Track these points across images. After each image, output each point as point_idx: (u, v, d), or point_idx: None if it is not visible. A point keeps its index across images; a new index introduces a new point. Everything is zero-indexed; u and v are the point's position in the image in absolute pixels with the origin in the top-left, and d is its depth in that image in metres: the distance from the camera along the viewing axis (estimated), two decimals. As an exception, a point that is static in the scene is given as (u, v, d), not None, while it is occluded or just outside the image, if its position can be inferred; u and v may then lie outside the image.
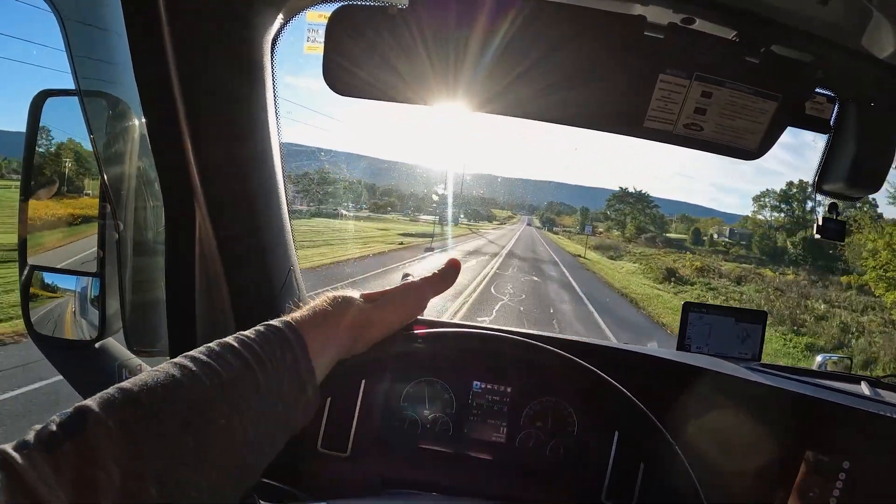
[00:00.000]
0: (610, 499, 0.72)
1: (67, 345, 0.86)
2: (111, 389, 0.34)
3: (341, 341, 0.47)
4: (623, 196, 51.25)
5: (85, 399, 0.35)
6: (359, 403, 0.79)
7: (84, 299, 0.87)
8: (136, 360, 0.82)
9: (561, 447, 0.79)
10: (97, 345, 0.84)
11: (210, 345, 0.40)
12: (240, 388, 0.38)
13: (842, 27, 0.65)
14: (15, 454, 0.29)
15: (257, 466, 0.40)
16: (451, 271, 0.56)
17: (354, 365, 0.49)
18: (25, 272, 0.84)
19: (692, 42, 0.67)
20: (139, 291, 0.79)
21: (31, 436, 0.31)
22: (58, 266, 0.89)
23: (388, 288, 0.52)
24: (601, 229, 50.38)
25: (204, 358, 0.38)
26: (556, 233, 58.92)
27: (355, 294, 0.50)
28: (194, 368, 0.37)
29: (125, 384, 0.35)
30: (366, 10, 0.67)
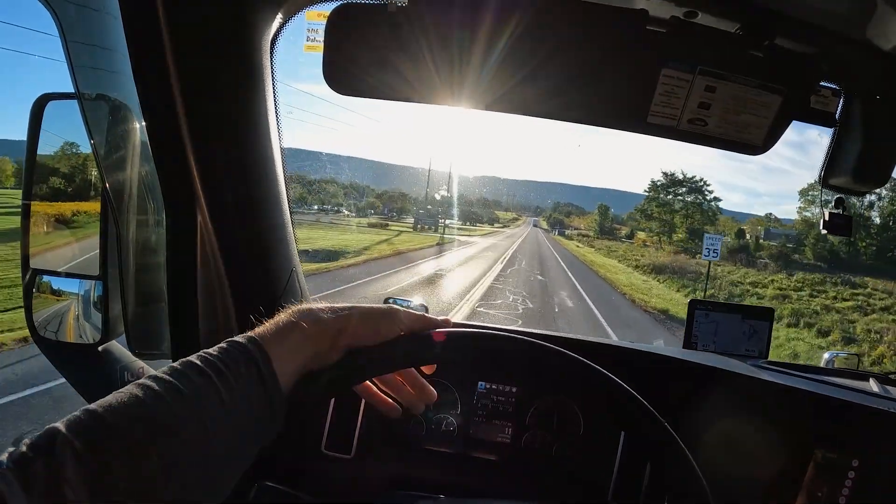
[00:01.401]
0: (616, 499, 0.71)
1: (70, 348, 0.86)
2: (78, 412, 0.36)
3: (306, 351, 0.47)
4: (670, 184, 32.44)
5: (88, 402, 0.37)
6: (362, 405, 0.78)
7: (87, 302, 0.87)
8: (138, 363, 0.82)
9: (567, 448, 0.78)
10: (100, 348, 0.84)
11: (173, 364, 0.41)
12: (203, 402, 0.39)
13: (846, 19, 0.64)
14: None
15: (228, 477, 0.41)
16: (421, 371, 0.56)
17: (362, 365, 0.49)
18: (28, 276, 0.84)
19: (695, 36, 0.66)
20: (141, 294, 0.79)
21: (4, 457, 0.32)
22: (60, 269, 0.89)
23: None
24: (624, 233, 40.05)
25: (167, 377, 0.39)
26: (570, 237, 47.69)
27: (320, 305, 0.50)
28: (157, 388, 0.38)
29: (91, 406, 0.36)
30: (365, 8, 0.67)
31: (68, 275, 0.88)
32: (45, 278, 0.87)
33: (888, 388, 0.80)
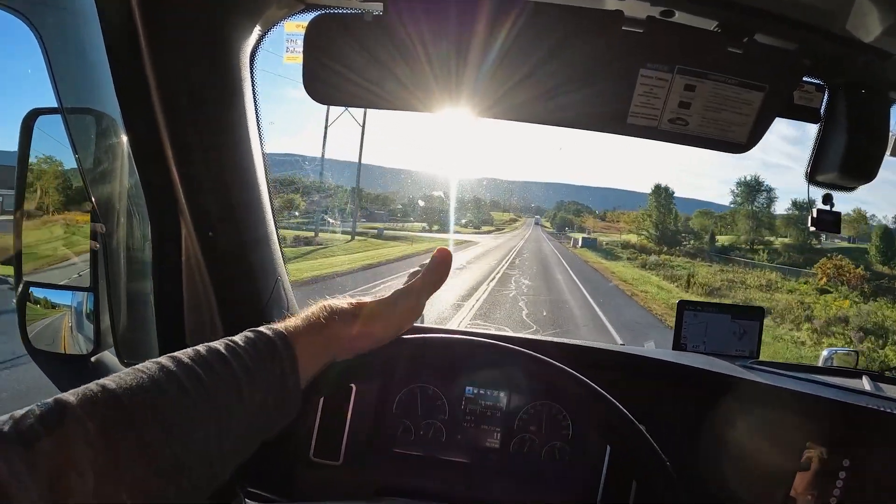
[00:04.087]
0: (605, 501, 0.71)
1: (64, 359, 0.87)
2: (93, 385, 0.33)
3: (331, 351, 0.46)
4: (750, 191, 26.93)
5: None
6: (350, 411, 0.78)
7: (79, 314, 0.88)
8: (127, 374, 0.83)
9: (555, 451, 0.78)
10: (93, 359, 0.85)
11: (198, 348, 0.40)
12: (223, 399, 0.37)
13: (826, 13, 0.63)
14: None
15: (226, 472, 0.40)
16: (441, 265, 0.52)
17: (344, 369, 0.49)
18: (21, 288, 0.85)
19: (672, 35, 0.66)
20: (130, 305, 0.80)
21: (8, 425, 0.30)
22: (52, 282, 0.90)
23: (383, 296, 0.51)
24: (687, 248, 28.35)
25: (189, 363, 0.38)
26: (611, 250, 29.23)
27: (346, 303, 0.49)
28: (179, 374, 0.36)
29: (108, 382, 0.34)
30: (341, 18, 0.67)
31: (60, 287, 0.89)
32: (39, 290, 0.88)
33: (881, 385, 0.78)
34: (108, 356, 0.86)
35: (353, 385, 0.78)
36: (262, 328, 0.43)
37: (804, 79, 0.72)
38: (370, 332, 0.48)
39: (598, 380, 0.53)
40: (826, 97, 0.73)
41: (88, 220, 0.83)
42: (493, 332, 0.88)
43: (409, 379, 0.81)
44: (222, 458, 0.38)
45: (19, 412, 0.31)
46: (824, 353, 1.09)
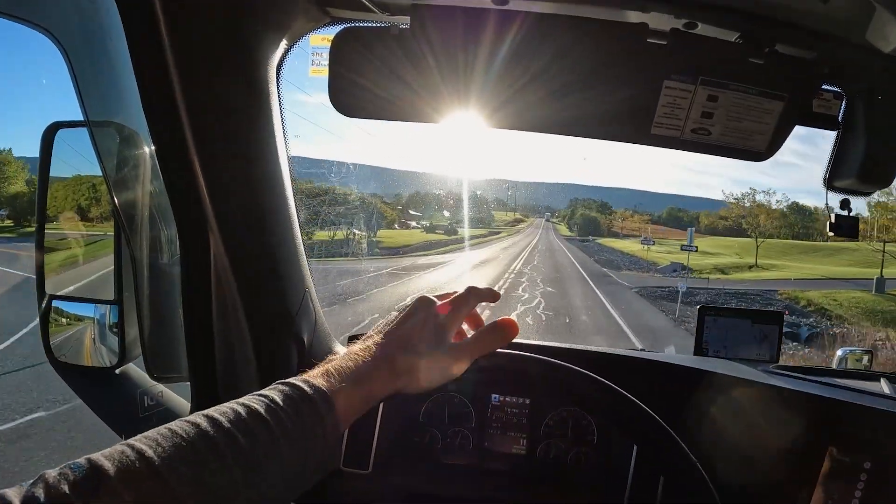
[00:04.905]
0: None
1: (88, 371, 0.87)
2: (128, 451, 0.32)
3: (368, 405, 0.45)
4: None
5: (109, 425, 0.34)
6: (378, 420, 0.79)
7: (103, 326, 0.89)
8: (158, 387, 0.83)
9: (582, 457, 0.79)
10: (117, 371, 0.85)
11: (236, 407, 0.38)
12: (262, 465, 0.36)
13: (845, 23, 0.64)
14: None
15: None
16: (502, 333, 0.50)
17: None
18: (44, 301, 0.85)
19: (695, 46, 0.67)
20: (157, 318, 0.80)
21: (40, 490, 0.28)
22: (76, 294, 0.90)
23: (418, 333, 0.48)
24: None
25: (228, 426, 0.36)
26: None
27: (387, 353, 0.46)
28: (218, 441, 0.35)
29: (145, 448, 0.33)
30: (368, 31, 0.68)
31: (84, 299, 0.90)
32: (62, 303, 0.89)
33: (900, 388, 0.80)
34: (133, 368, 0.86)
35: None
36: (300, 383, 0.42)
37: (822, 86, 0.73)
38: (404, 387, 0.47)
39: (620, 385, 0.54)
40: (844, 105, 0.74)
41: (112, 233, 0.84)
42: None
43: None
44: None
45: (51, 473, 0.30)
46: (839, 352, 1.11)
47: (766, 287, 19.94)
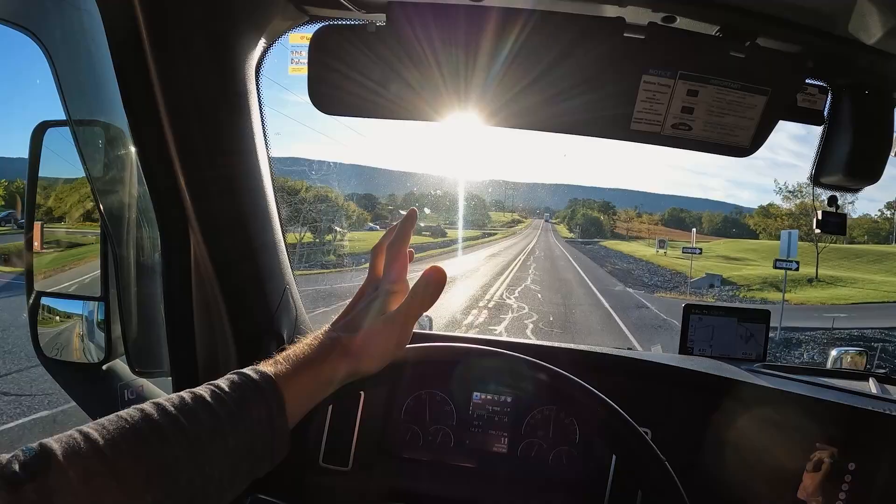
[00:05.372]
0: None
1: (75, 367, 0.88)
2: (76, 434, 0.34)
3: (320, 391, 0.46)
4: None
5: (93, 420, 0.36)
6: (359, 417, 0.79)
7: (91, 323, 0.90)
8: (139, 381, 0.84)
9: (563, 455, 0.78)
10: (104, 367, 0.86)
11: (183, 395, 0.40)
12: (208, 449, 0.38)
13: (827, 15, 0.63)
14: None
15: None
16: (430, 287, 0.49)
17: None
18: (32, 298, 0.87)
19: (674, 40, 0.66)
20: (141, 314, 0.81)
21: None
22: (64, 291, 0.91)
23: (363, 313, 0.49)
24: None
25: (173, 411, 0.38)
26: None
27: (334, 336, 0.48)
28: (162, 423, 0.37)
29: (91, 431, 0.35)
30: (346, 29, 0.68)
31: (72, 296, 0.91)
32: (50, 300, 0.90)
33: (887, 387, 0.78)
34: (120, 364, 0.87)
35: (361, 392, 0.79)
36: (248, 370, 0.43)
37: (807, 81, 0.72)
38: (357, 367, 0.47)
39: (605, 384, 0.53)
40: (829, 99, 0.73)
41: (98, 231, 0.85)
42: (498, 338, 0.88)
43: (416, 385, 0.82)
44: (208, 499, 0.38)
45: (4, 456, 0.32)
46: (833, 352, 1.09)
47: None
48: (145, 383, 0.85)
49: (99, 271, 0.86)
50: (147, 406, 0.38)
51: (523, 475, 0.77)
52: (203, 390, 0.40)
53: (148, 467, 0.35)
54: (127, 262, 0.81)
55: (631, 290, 15.54)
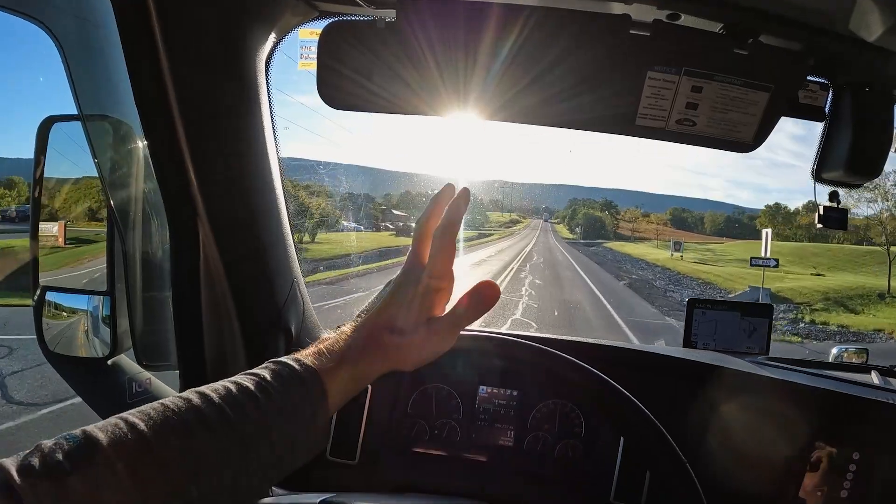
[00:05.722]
0: (619, 499, 0.71)
1: (81, 362, 0.88)
2: (121, 423, 0.33)
3: (359, 386, 0.45)
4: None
5: (100, 416, 0.36)
6: (366, 411, 0.79)
7: (96, 318, 0.90)
8: (145, 374, 0.84)
9: (569, 449, 0.78)
10: (109, 361, 0.86)
11: (227, 385, 0.39)
12: (252, 439, 0.37)
13: (828, 13, 0.64)
14: (18, 478, 0.28)
15: (254, 500, 0.40)
16: (484, 301, 0.47)
17: None
18: (38, 293, 0.86)
19: (678, 37, 0.67)
20: (148, 309, 0.81)
21: (35, 459, 0.30)
22: (70, 286, 0.91)
23: (405, 311, 0.47)
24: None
25: (219, 401, 0.37)
26: None
27: (375, 333, 0.46)
28: (209, 414, 0.36)
29: (137, 421, 0.34)
30: (355, 24, 0.69)
31: (77, 291, 0.91)
32: (55, 295, 0.90)
33: (889, 379, 0.79)
34: (125, 359, 0.87)
35: (368, 385, 0.79)
36: (291, 361, 0.42)
37: (808, 78, 0.73)
38: (394, 367, 0.46)
39: (610, 376, 0.54)
40: (830, 96, 0.74)
41: (105, 225, 0.85)
42: (498, 332, 0.88)
43: (423, 378, 0.82)
44: (250, 490, 0.38)
45: (47, 443, 0.31)
46: (834, 350, 1.10)
47: None
48: (152, 377, 0.84)
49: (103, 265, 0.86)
50: (192, 395, 0.37)
51: (530, 468, 0.78)
52: (247, 381, 0.39)
53: (196, 461, 0.34)
54: (134, 257, 0.81)
55: (673, 320, 10.12)
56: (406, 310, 0.47)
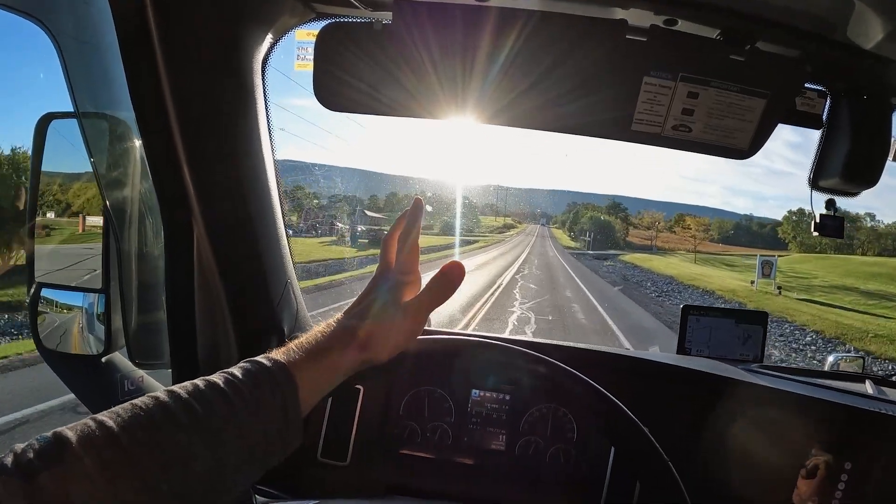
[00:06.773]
0: (609, 503, 0.71)
1: (75, 359, 0.88)
2: (91, 422, 0.34)
3: (332, 380, 0.46)
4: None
5: (92, 412, 0.36)
6: (357, 413, 0.79)
7: (91, 315, 0.90)
8: (138, 372, 0.84)
9: (560, 453, 0.78)
10: (103, 359, 0.86)
11: (197, 382, 0.40)
12: (222, 436, 0.38)
13: (826, 20, 0.64)
14: None
15: (230, 497, 0.40)
16: (449, 281, 0.50)
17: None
18: (33, 289, 0.87)
19: (675, 43, 0.67)
20: (142, 307, 0.81)
21: (9, 459, 0.31)
22: (65, 283, 0.91)
23: (375, 303, 0.49)
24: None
25: (187, 397, 0.38)
26: None
27: (345, 324, 0.48)
28: (175, 410, 0.36)
29: (106, 419, 0.35)
30: (352, 26, 0.69)
31: (72, 288, 0.91)
32: (51, 292, 0.90)
33: (883, 389, 0.79)
34: (119, 357, 0.87)
35: (360, 387, 0.79)
36: (261, 359, 0.43)
37: (806, 85, 0.73)
38: (369, 357, 0.48)
39: (603, 382, 0.54)
40: (828, 103, 0.74)
41: (101, 223, 0.85)
42: (499, 336, 0.89)
43: (415, 381, 0.82)
44: (223, 486, 0.38)
45: (20, 446, 0.32)
46: (830, 357, 1.09)
47: None
48: (145, 375, 0.84)
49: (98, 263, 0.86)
50: (161, 394, 0.38)
51: (521, 472, 0.78)
52: (217, 378, 0.40)
53: (163, 455, 0.35)
54: (129, 255, 0.82)
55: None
56: (377, 302, 0.50)
